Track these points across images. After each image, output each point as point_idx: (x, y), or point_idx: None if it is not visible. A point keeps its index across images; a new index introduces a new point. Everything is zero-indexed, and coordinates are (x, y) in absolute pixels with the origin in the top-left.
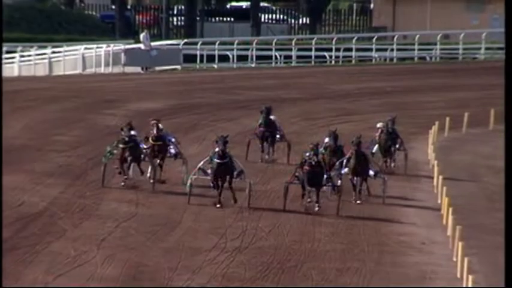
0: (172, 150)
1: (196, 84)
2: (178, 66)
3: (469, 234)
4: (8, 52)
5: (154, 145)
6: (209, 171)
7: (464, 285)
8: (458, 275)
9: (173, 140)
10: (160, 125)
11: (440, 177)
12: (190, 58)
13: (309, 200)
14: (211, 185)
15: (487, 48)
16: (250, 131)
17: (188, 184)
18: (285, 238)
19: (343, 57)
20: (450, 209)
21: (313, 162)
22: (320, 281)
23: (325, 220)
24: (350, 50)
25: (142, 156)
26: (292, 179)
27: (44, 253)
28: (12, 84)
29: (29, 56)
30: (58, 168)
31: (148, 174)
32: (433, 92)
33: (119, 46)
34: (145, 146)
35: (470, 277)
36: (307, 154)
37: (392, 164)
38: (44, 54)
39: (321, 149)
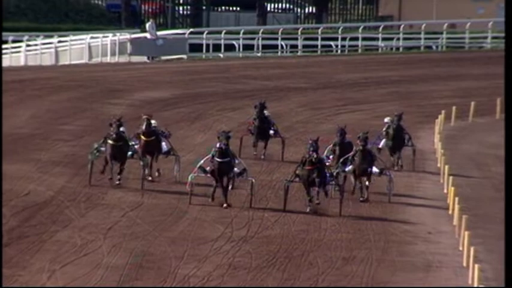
0: (165, 147)
1: (202, 74)
2: (184, 56)
3: (475, 224)
4: (14, 41)
5: (147, 142)
6: (208, 168)
7: (470, 274)
8: (465, 264)
9: (165, 133)
10: (152, 121)
11: (447, 167)
12: (196, 47)
13: (317, 201)
14: (214, 184)
15: (493, 38)
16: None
17: (188, 183)
18: (291, 228)
19: (350, 46)
20: (456, 199)
21: (313, 160)
22: (326, 269)
23: (331, 211)
24: (356, 39)
25: (130, 153)
26: (292, 178)
27: (51, 242)
28: (18, 74)
29: (35, 45)
30: (64, 158)
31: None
32: (440, 81)
33: (125, 35)
34: (133, 143)
35: (476, 266)
36: (308, 152)
37: (400, 160)
38: (50, 43)
39: (330, 146)
